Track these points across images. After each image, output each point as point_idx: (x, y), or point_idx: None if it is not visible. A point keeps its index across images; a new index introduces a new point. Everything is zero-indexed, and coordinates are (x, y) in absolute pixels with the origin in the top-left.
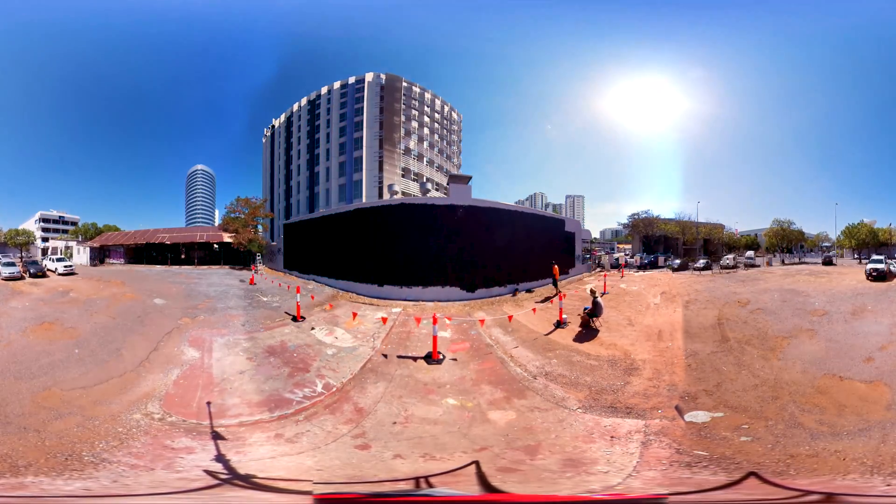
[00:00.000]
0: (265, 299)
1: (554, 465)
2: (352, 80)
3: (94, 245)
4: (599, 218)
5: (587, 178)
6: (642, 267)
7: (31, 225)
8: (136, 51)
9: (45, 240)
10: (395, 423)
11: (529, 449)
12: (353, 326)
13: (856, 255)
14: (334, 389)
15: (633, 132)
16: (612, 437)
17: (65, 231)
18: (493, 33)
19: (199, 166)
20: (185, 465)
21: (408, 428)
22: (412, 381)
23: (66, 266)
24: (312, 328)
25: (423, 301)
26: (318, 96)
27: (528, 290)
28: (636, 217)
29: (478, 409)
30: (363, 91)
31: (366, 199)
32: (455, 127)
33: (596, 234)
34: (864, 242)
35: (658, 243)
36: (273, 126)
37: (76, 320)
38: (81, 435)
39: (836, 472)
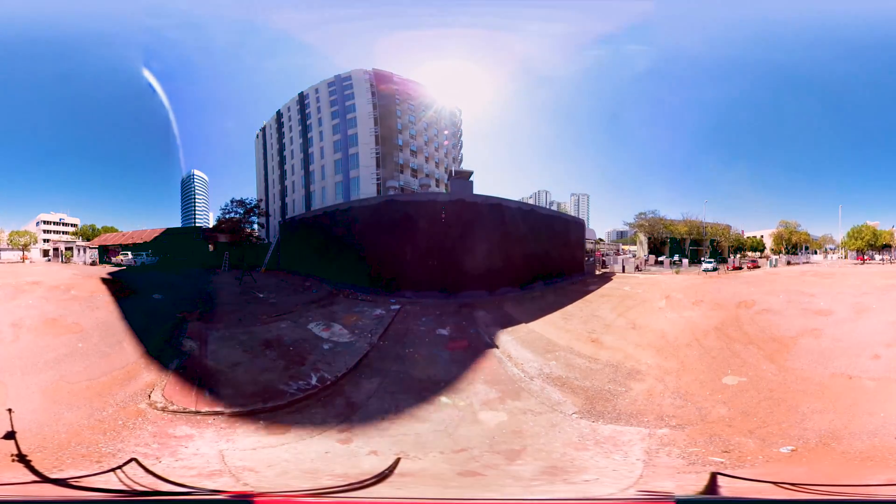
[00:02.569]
0: (261, 296)
1: (528, 472)
2: (339, 75)
3: (94, 245)
4: (603, 217)
5: (593, 174)
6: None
7: (33, 227)
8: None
9: (46, 241)
10: (383, 419)
11: (511, 453)
12: (350, 322)
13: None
14: (328, 383)
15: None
16: (607, 444)
17: (65, 232)
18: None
19: (194, 171)
20: (186, 454)
21: (394, 424)
22: (407, 377)
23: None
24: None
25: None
26: (307, 94)
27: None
28: (643, 217)
29: (469, 408)
30: (352, 87)
31: (364, 196)
32: (455, 121)
33: (601, 234)
34: (869, 244)
35: (664, 244)
36: (263, 127)
37: (78, 316)
38: (93, 426)
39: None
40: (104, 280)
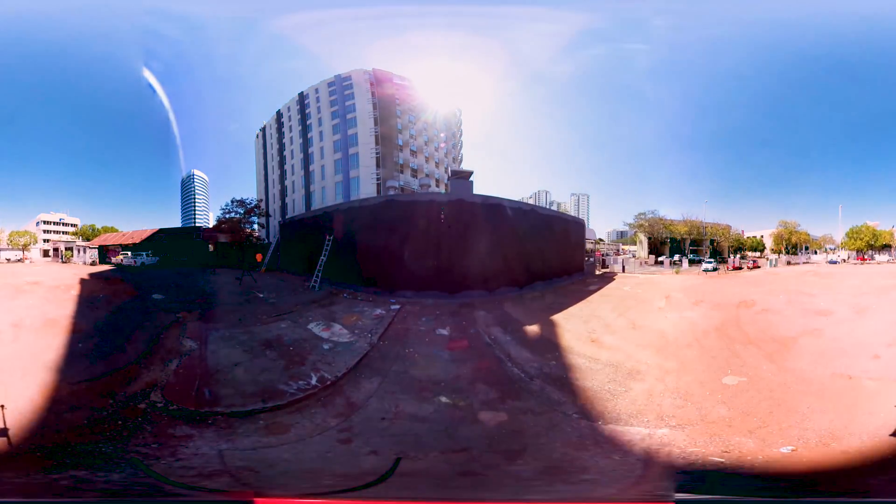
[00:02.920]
0: (262, 295)
1: (529, 472)
2: (339, 75)
3: (94, 245)
4: (603, 217)
5: (593, 174)
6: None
7: (33, 227)
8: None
9: (46, 241)
10: (383, 418)
11: (511, 453)
12: (350, 322)
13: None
14: (328, 383)
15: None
16: (607, 444)
17: (65, 232)
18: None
19: (194, 171)
20: (186, 454)
21: (394, 424)
22: (407, 377)
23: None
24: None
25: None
26: (306, 94)
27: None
28: (643, 217)
29: (469, 408)
30: (352, 88)
31: (364, 196)
32: (455, 121)
33: (601, 234)
34: (868, 244)
35: (664, 244)
36: (263, 127)
37: (79, 316)
38: (93, 426)
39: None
40: (104, 280)
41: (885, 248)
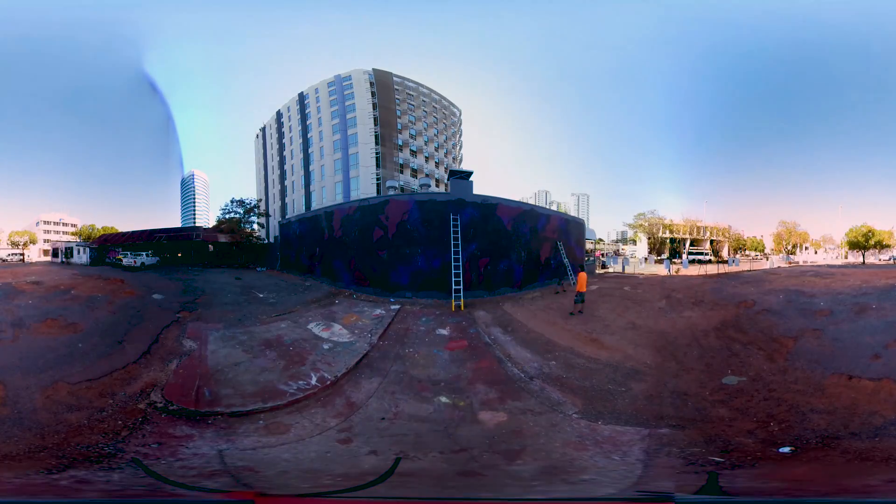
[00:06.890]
0: (261, 296)
1: (528, 472)
2: (339, 75)
3: (93, 245)
4: (603, 217)
5: (593, 174)
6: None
7: (33, 227)
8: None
9: (46, 241)
10: (383, 418)
11: (510, 453)
12: (350, 322)
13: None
14: (328, 383)
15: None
16: (607, 444)
17: (65, 233)
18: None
19: (194, 171)
20: (186, 454)
21: (394, 424)
22: (407, 377)
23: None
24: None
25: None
26: (306, 94)
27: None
28: (642, 217)
29: (469, 408)
30: (352, 87)
31: (364, 195)
32: (455, 122)
33: (601, 235)
34: (866, 244)
35: (664, 244)
36: (263, 127)
37: (78, 316)
38: (93, 426)
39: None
40: (104, 280)
41: (884, 248)
